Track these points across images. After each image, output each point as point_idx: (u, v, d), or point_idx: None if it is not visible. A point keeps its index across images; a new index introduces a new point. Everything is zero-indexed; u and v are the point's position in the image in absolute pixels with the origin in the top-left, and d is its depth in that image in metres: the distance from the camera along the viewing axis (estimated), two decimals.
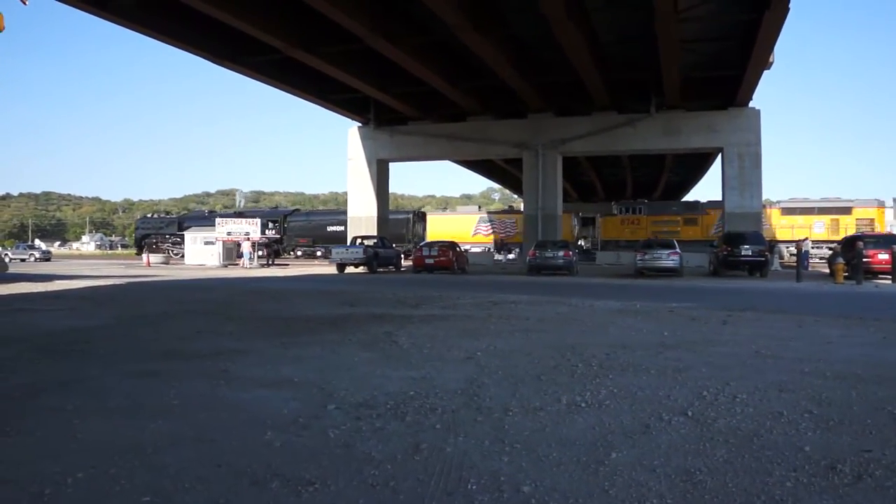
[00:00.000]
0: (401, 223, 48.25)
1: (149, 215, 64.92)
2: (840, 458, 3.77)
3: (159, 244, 49.24)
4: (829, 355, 7.21)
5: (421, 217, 53.61)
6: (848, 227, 42.77)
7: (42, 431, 4.30)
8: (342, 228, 44.80)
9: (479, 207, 60.94)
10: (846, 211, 45.84)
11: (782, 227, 44.90)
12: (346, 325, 9.86)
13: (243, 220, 43.22)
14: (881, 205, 47.69)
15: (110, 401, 5.15)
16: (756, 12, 21.54)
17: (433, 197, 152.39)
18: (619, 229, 48.24)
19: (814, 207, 46.49)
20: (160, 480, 3.41)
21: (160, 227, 55.11)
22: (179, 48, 26.22)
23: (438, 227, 51.14)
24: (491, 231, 51.84)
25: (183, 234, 48.89)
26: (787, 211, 46.68)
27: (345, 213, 47.78)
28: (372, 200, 37.89)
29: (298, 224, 54.54)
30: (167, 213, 69.45)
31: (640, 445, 4.04)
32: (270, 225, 50.08)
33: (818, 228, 44.55)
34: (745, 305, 13.18)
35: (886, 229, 46.26)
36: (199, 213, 59.90)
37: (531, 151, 34.86)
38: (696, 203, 51.39)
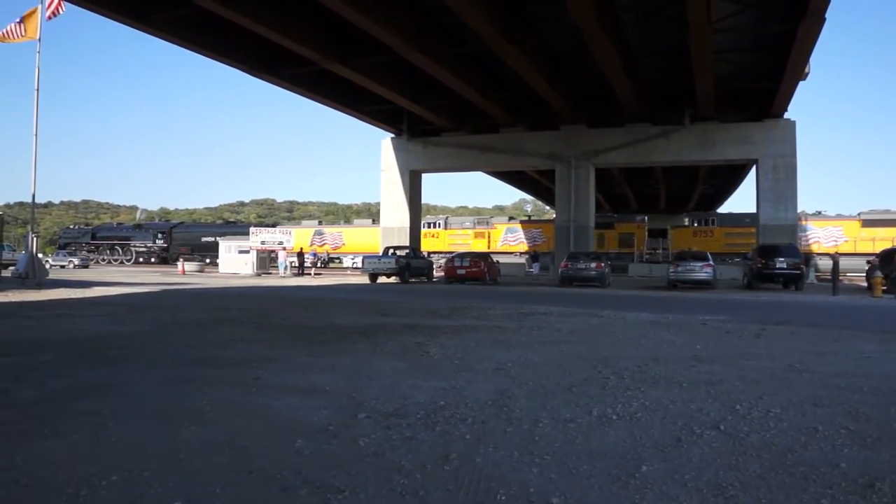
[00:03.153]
0: None
1: (70, 226, 73.54)
2: (878, 476, 3.68)
3: (77, 251, 58.28)
4: (866, 370, 7.07)
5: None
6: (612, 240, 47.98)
7: (79, 434, 4.38)
8: (212, 239, 54.43)
9: (320, 222, 70.96)
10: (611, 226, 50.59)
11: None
12: (377, 334, 9.89)
13: (276, 229, 43.80)
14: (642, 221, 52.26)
15: (145, 406, 5.23)
16: (791, 23, 21.32)
17: (465, 207, 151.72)
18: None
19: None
20: (192, 485, 3.45)
21: (77, 237, 63.03)
22: (217, 60, 26.68)
23: None
24: (323, 242, 57.88)
25: (97, 242, 61.64)
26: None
27: (218, 225, 64.85)
28: (405, 211, 38.05)
29: (181, 235, 61.45)
30: (87, 224, 78.67)
31: (671, 459, 4.00)
32: (160, 235, 60.31)
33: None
34: (779, 319, 12.97)
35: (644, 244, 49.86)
36: (108, 225, 69.93)
37: (564, 163, 34.78)
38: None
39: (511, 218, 59.53)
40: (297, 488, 3.42)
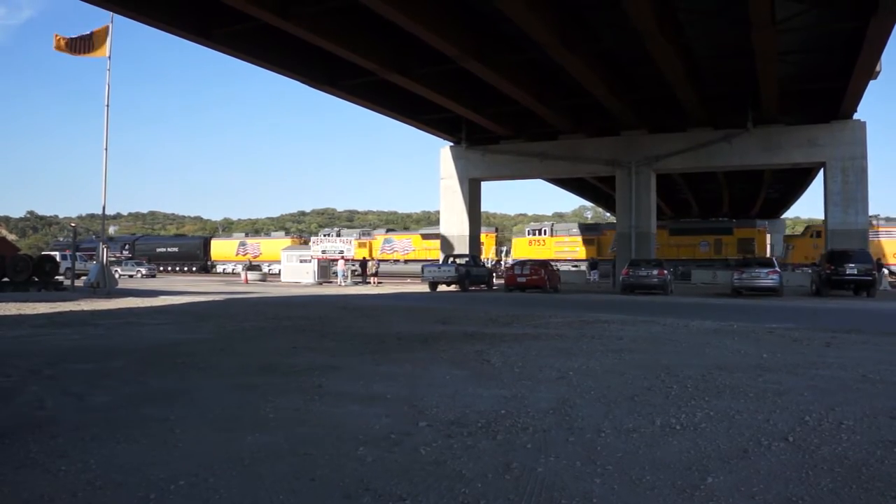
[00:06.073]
0: (196, 245, 70.29)
1: (60, 239, 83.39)
2: None
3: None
4: None
5: (208, 241, 71.88)
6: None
7: (148, 439, 4.50)
8: (165, 249, 70.10)
9: (246, 234, 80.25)
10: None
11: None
12: (437, 342, 9.91)
13: (337, 239, 44.43)
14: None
15: (210, 412, 5.34)
16: (860, 20, 20.65)
17: (525, 215, 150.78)
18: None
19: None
20: (256, 491, 3.51)
21: (63, 248, 67.42)
22: (278, 73, 27.18)
23: (218, 249, 68.93)
24: (246, 252, 65.99)
25: (78, 253, 68.72)
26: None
27: (170, 237, 79.18)
28: (464, 219, 38.10)
29: (141, 247, 71.82)
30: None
31: (737, 471, 3.89)
32: (126, 247, 69.48)
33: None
34: (850, 327, 12.55)
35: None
36: (88, 239, 76.28)
37: (624, 169, 34.35)
38: None
39: (389, 230, 69.07)
40: (359, 496, 3.45)
